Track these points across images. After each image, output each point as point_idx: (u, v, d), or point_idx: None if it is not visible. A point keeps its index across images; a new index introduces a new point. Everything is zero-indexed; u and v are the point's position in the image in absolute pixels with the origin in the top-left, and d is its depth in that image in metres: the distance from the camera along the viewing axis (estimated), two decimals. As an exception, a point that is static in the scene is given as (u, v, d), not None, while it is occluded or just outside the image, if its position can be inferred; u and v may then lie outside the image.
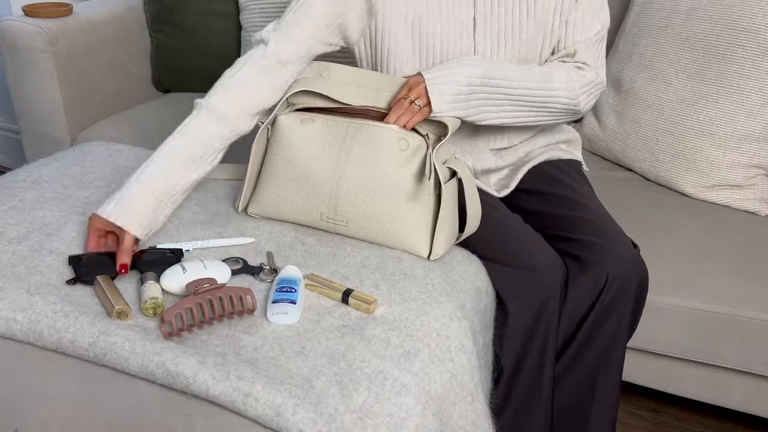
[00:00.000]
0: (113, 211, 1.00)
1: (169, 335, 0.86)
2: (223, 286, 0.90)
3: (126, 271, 0.97)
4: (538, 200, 1.23)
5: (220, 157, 1.10)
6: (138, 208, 1.00)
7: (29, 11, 1.68)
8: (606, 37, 1.20)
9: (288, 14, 1.12)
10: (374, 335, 0.89)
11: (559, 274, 1.11)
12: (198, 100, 1.09)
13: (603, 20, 1.18)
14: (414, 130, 1.07)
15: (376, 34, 1.16)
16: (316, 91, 1.09)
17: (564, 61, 1.18)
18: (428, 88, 1.05)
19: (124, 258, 0.98)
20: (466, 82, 1.06)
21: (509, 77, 1.09)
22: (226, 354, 0.83)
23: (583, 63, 1.17)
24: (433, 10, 1.13)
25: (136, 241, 1.01)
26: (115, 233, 1.02)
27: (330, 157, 1.06)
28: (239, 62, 1.11)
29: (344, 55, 1.69)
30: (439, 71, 1.06)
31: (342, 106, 1.09)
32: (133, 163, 1.32)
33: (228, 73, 1.10)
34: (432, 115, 1.05)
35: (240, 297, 0.90)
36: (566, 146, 1.35)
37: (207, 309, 0.88)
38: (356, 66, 1.24)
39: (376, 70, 1.20)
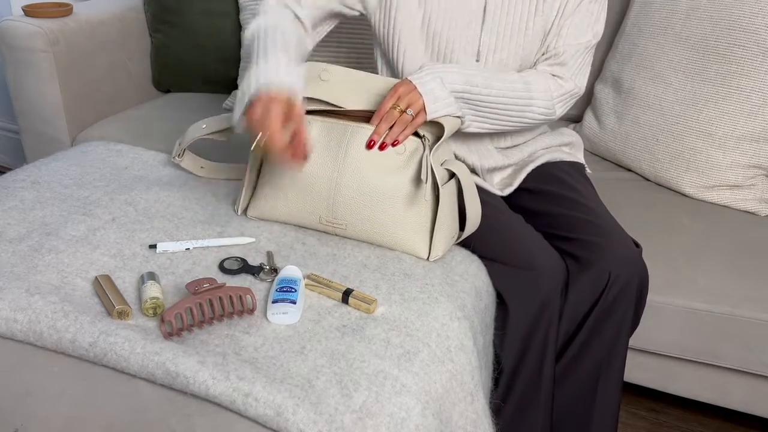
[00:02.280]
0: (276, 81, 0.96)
1: (169, 335, 0.86)
2: (222, 285, 0.90)
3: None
4: (541, 200, 1.23)
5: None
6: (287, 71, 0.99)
7: (29, 11, 1.68)
8: (595, 47, 1.20)
9: None
10: (374, 335, 0.89)
11: (559, 274, 1.11)
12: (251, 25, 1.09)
13: (596, 30, 1.18)
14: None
15: (390, 7, 1.16)
16: (314, 97, 1.09)
17: (548, 63, 1.19)
18: (421, 91, 1.03)
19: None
20: (450, 88, 1.06)
21: (489, 86, 1.09)
22: (226, 354, 0.83)
23: (564, 67, 1.18)
24: None
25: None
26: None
27: (327, 162, 1.06)
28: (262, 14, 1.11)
29: (348, 56, 1.69)
30: (425, 76, 1.06)
31: (340, 109, 1.09)
32: (132, 163, 1.32)
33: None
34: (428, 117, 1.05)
35: (240, 297, 0.90)
36: (568, 149, 1.36)
37: (207, 309, 0.88)
38: (364, 63, 1.24)
39: (386, 45, 1.20)
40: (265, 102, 0.93)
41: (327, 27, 1.22)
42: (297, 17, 1.13)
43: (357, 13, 1.20)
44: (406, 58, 1.18)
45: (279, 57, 0.99)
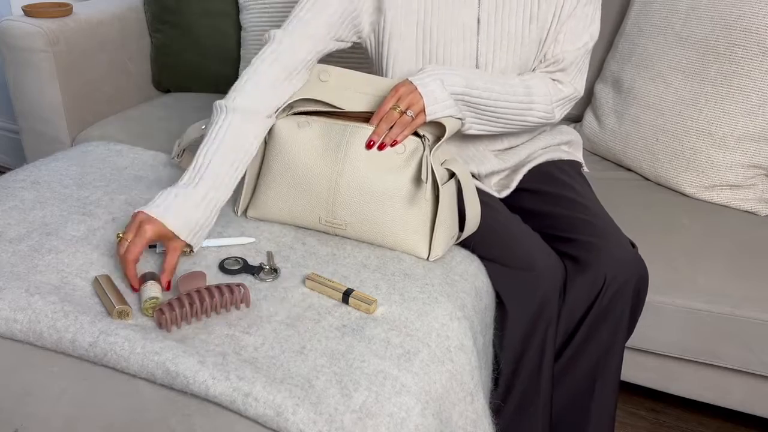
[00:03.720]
0: (167, 217, 0.95)
1: (161, 325, 0.86)
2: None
3: (168, 288, 0.95)
4: (538, 200, 1.23)
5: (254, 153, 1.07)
6: (191, 217, 0.97)
7: (29, 11, 1.68)
8: (591, 49, 1.21)
9: (300, 12, 1.11)
10: (374, 335, 0.89)
11: (557, 274, 1.11)
12: (218, 102, 1.06)
13: (592, 32, 1.19)
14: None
15: (383, 31, 1.16)
16: (314, 98, 1.09)
17: (547, 70, 1.19)
18: (421, 92, 1.03)
19: (169, 275, 0.96)
20: (450, 90, 1.06)
21: (490, 89, 1.10)
22: (226, 354, 0.83)
23: (564, 73, 1.19)
24: (439, 9, 1.13)
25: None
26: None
27: (327, 162, 1.06)
28: (253, 66, 1.08)
29: (349, 57, 1.69)
30: (426, 77, 1.05)
31: (339, 110, 1.09)
32: (132, 163, 1.32)
33: (244, 77, 1.08)
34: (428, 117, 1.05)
35: (231, 288, 0.91)
36: (567, 147, 1.36)
37: (202, 298, 0.89)
38: (363, 63, 1.24)
39: (380, 67, 1.20)
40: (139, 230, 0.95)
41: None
42: (289, 77, 1.10)
43: (348, 44, 1.19)
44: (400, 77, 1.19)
45: (200, 193, 0.99)
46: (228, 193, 1.02)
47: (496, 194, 1.24)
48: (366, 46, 1.21)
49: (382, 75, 1.22)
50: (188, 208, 0.97)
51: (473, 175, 1.25)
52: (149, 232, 0.94)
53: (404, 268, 1.03)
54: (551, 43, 1.17)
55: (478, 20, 1.13)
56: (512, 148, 1.30)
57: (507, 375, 1.13)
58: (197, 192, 0.99)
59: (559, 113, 1.20)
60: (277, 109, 1.09)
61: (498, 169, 1.26)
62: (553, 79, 1.19)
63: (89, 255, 1.01)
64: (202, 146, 1.02)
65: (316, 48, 1.11)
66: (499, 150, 1.28)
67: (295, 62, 1.09)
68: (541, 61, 1.19)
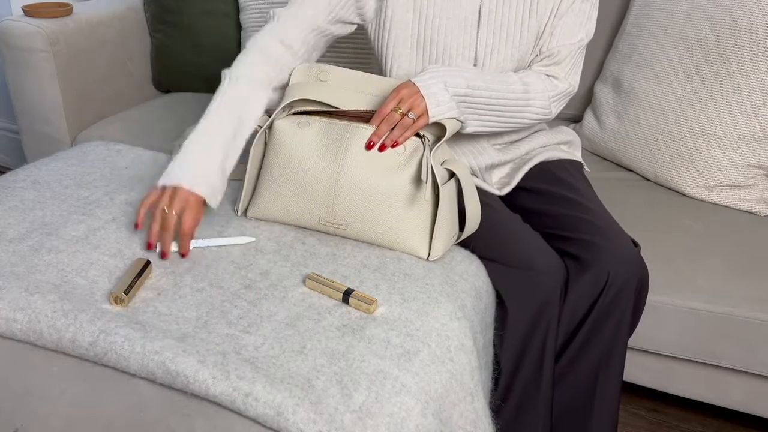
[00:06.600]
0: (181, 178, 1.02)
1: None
2: None
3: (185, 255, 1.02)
4: (539, 199, 1.23)
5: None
6: (203, 172, 1.04)
7: (29, 11, 1.68)
8: (586, 46, 1.21)
9: None
10: (374, 335, 0.89)
11: (558, 274, 1.11)
12: (225, 71, 1.13)
13: (588, 29, 1.19)
14: None
15: (384, 18, 1.16)
16: (313, 98, 1.09)
17: (543, 64, 1.20)
18: (424, 94, 1.03)
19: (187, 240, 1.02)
20: (452, 92, 1.06)
21: (490, 88, 1.10)
22: (226, 353, 0.83)
23: (559, 67, 1.19)
24: (441, 1, 1.13)
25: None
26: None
27: (327, 162, 1.06)
28: (250, 48, 1.14)
29: (349, 57, 1.69)
30: (429, 80, 1.06)
31: (339, 110, 1.09)
32: (133, 163, 1.32)
33: (240, 60, 1.14)
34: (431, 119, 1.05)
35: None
36: (566, 147, 1.36)
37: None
38: (363, 63, 1.24)
39: (381, 55, 1.21)
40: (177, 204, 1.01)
41: (320, 52, 1.22)
42: (290, 51, 1.14)
43: (353, 28, 1.21)
44: (398, 69, 1.19)
45: (216, 154, 1.05)
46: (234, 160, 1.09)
47: (497, 192, 1.24)
48: (368, 31, 1.22)
49: (381, 63, 1.22)
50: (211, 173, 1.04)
51: (472, 172, 1.25)
52: (193, 202, 1.02)
53: (404, 268, 1.03)
54: (547, 36, 1.18)
55: (480, 12, 1.13)
56: (512, 143, 1.30)
57: (507, 375, 1.13)
58: (214, 159, 1.05)
59: (556, 109, 1.21)
60: (279, 102, 1.10)
61: (497, 162, 1.26)
62: (548, 75, 1.19)
63: (89, 255, 1.01)
64: (208, 113, 1.11)
65: (316, 22, 1.14)
66: (498, 144, 1.29)
67: (287, 52, 1.13)
68: (537, 55, 1.20)
